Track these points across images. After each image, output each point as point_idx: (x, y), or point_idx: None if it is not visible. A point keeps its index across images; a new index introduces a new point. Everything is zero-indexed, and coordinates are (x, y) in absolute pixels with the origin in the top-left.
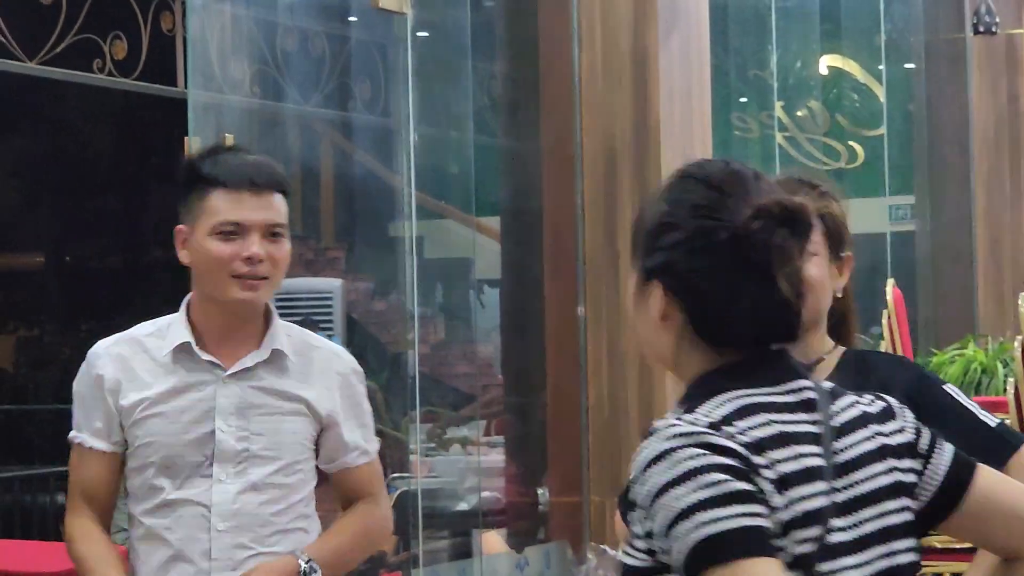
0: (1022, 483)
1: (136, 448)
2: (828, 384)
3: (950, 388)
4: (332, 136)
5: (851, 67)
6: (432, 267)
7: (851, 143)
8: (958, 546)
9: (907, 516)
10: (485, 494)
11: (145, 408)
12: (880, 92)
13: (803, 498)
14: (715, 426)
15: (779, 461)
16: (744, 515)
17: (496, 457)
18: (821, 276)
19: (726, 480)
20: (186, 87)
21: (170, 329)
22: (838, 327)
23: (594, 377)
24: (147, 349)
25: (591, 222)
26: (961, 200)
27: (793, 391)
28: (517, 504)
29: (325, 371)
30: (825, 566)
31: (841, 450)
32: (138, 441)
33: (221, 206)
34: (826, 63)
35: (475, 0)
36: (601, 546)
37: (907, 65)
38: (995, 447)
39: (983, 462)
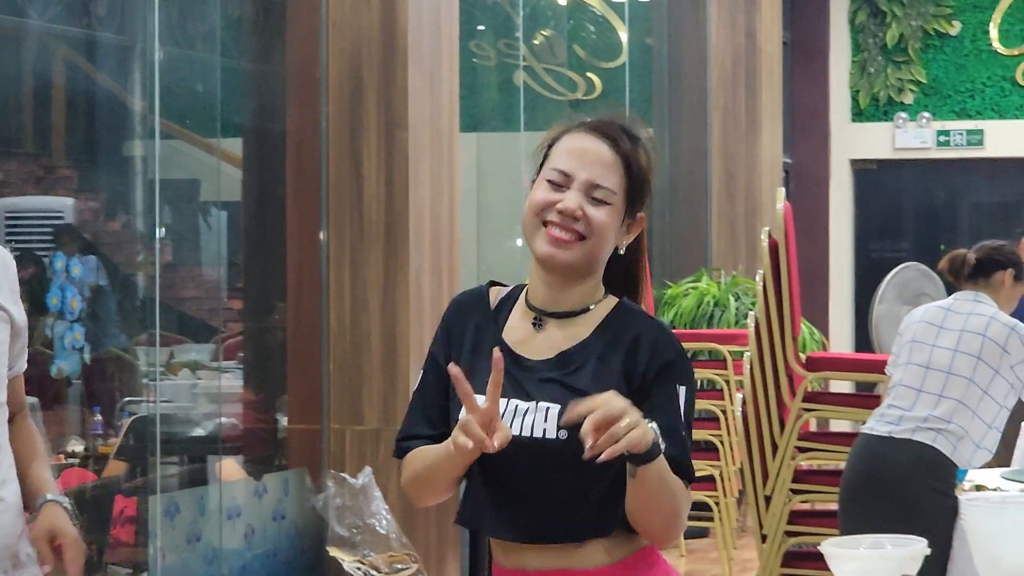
0: None
1: None
2: None
3: (683, 391)
4: (65, 52)
5: None
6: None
7: (589, 74)
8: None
9: None
10: (223, 420)
11: None
12: (618, 24)
13: None
14: None
15: None
16: None
17: (235, 383)
18: (608, 223)
19: None
20: None
21: None
22: (627, 287)
23: (336, 303)
24: None
25: (335, 145)
26: (697, 134)
27: None
28: (255, 431)
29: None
30: None
31: None
32: None
33: None
34: None
35: None
36: (341, 474)
37: (632, 3)
38: (679, 466)
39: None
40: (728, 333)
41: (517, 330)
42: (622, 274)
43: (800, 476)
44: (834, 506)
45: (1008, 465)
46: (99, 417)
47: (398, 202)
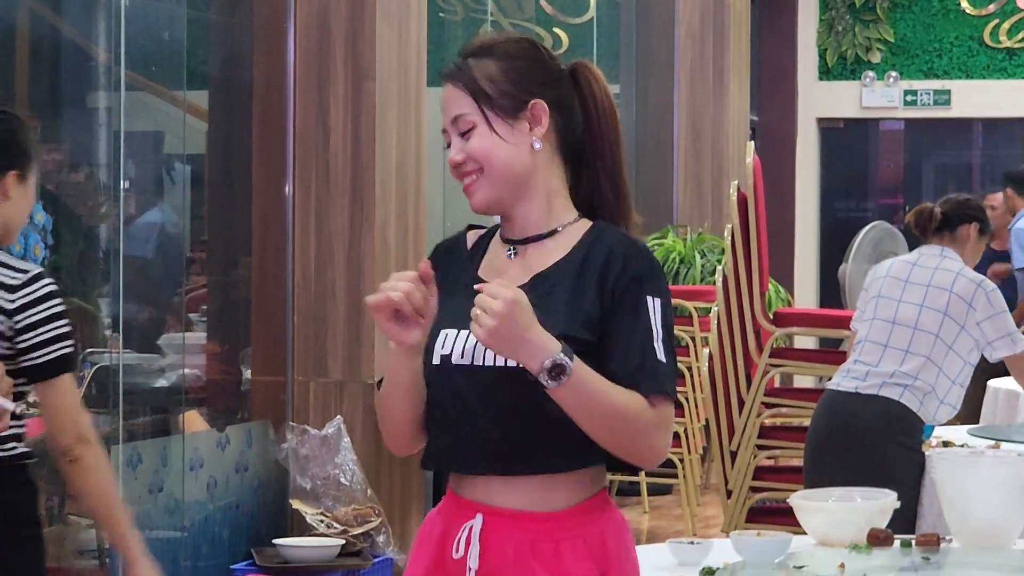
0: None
1: None
2: None
3: (656, 304)
4: (29, 1)
5: None
6: (131, 140)
7: (556, 30)
8: None
9: None
10: (187, 371)
11: None
12: None
13: None
14: None
15: None
16: None
17: (199, 334)
18: (486, 144)
19: None
20: None
21: None
22: (593, 187)
23: (300, 255)
24: None
25: (302, 96)
26: (664, 90)
27: None
28: (219, 382)
29: None
30: None
31: None
32: None
33: None
34: None
35: None
36: (302, 426)
37: None
38: (647, 378)
39: (626, 379)
40: (694, 289)
41: (494, 262)
42: (588, 180)
43: (765, 432)
44: (799, 462)
45: (973, 423)
46: None
47: (364, 154)
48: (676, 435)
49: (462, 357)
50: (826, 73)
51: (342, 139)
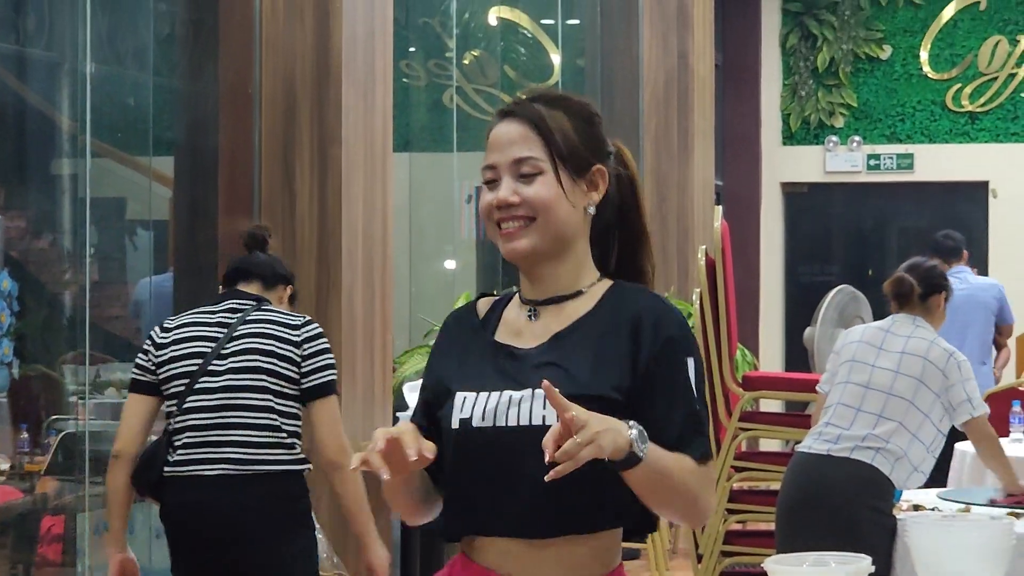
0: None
1: None
2: None
3: (691, 363)
4: None
5: (520, 19)
6: (97, 207)
7: (520, 95)
8: None
9: None
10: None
11: None
12: (550, 47)
13: None
14: None
15: None
16: None
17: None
18: (548, 193)
19: None
20: None
21: None
22: (628, 267)
23: None
24: None
25: (268, 162)
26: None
27: None
28: None
29: None
30: None
31: None
32: None
33: None
34: (495, 15)
35: None
36: None
37: (571, 21)
38: (694, 441)
39: (672, 443)
40: None
41: (512, 325)
42: (618, 253)
43: (735, 496)
44: (768, 526)
45: (939, 485)
46: (25, 435)
47: (331, 219)
48: None
49: (483, 419)
50: (790, 138)
51: (308, 205)
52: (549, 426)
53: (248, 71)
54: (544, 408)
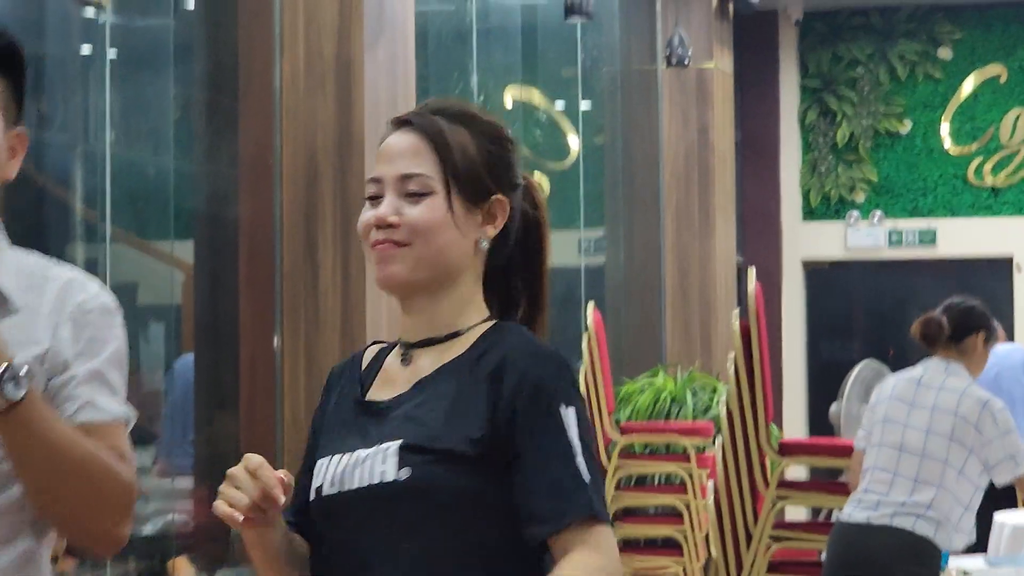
0: (577, 560)
1: None
2: None
3: (569, 413)
4: None
5: (536, 99)
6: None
7: (537, 173)
8: None
9: None
10: (174, 517)
11: None
12: (568, 128)
13: None
14: None
15: None
16: None
17: (187, 479)
18: (432, 218)
19: None
20: None
21: None
22: (526, 307)
23: (290, 393)
24: None
25: (289, 234)
26: (651, 232)
27: None
28: (207, 526)
29: None
30: None
31: None
32: None
33: None
34: (511, 96)
35: (175, 3)
36: None
37: (584, 103)
38: (574, 504)
39: (546, 508)
40: (690, 426)
41: (387, 373)
42: (516, 292)
43: (774, 566)
44: None
45: (979, 551)
46: None
47: (355, 291)
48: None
49: (332, 485)
50: (810, 213)
51: (331, 276)
52: (391, 482)
53: (269, 142)
54: (383, 463)
